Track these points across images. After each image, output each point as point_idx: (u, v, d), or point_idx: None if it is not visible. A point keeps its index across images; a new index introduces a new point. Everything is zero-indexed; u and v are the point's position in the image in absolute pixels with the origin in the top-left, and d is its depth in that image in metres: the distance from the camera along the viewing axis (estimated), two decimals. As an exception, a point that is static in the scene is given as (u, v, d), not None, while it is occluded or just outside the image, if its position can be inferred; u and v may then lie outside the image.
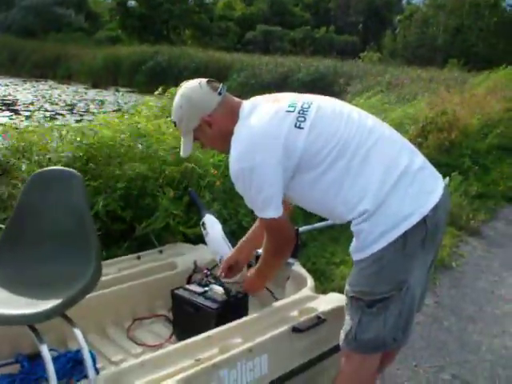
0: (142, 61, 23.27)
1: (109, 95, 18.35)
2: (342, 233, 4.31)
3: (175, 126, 2.08)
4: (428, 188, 1.86)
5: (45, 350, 1.72)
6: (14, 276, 1.98)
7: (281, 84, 18.58)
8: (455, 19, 28.65)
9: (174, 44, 28.51)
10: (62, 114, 13.58)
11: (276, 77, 19.68)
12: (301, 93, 2.07)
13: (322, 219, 4.20)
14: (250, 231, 2.44)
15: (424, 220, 1.79)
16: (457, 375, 2.94)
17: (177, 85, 4.48)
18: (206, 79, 2.04)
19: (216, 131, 1.98)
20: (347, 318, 1.92)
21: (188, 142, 2.08)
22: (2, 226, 2.79)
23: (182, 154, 2.14)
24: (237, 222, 3.78)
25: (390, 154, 1.87)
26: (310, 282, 2.49)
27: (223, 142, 1.96)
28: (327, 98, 2.04)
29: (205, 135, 2.03)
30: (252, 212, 3.84)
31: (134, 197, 3.34)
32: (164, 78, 19.77)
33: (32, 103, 15.98)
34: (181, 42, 31.79)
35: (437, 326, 3.45)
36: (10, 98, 17.27)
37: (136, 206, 3.33)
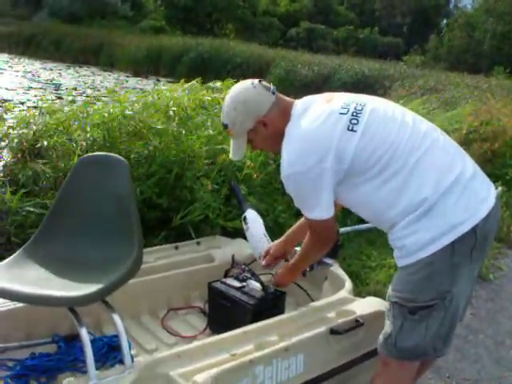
0: (184, 52, 23.37)
1: (149, 84, 18.47)
2: (379, 236, 4.25)
3: (226, 128, 2.04)
4: (480, 197, 1.80)
5: (84, 333, 1.73)
6: (55, 257, 2.01)
7: (322, 82, 18.46)
8: (504, 25, 27.91)
9: (217, 37, 28.57)
10: (101, 101, 13.72)
11: (317, 75, 19.54)
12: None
13: (361, 221, 4.18)
14: (296, 224, 2.42)
15: (474, 229, 1.74)
16: (491, 391, 2.87)
17: (217, 77, 4.47)
18: (258, 79, 2.02)
19: (271, 132, 1.96)
20: (388, 323, 1.88)
21: (241, 145, 2.05)
22: (32, 209, 2.84)
23: (233, 157, 2.11)
24: (273, 218, 3.75)
25: (443, 161, 1.82)
26: (348, 284, 2.45)
27: (276, 142, 1.94)
28: (380, 99, 2.00)
29: (259, 136, 2.00)
30: (288, 209, 3.82)
31: (170, 185, 3.33)
32: (205, 69, 19.86)
33: (75, 88, 16.21)
34: (223, 36, 31.85)
35: (472, 339, 3.37)
36: (54, 82, 17.57)
37: (172, 194, 3.32)
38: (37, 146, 3.19)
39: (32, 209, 2.83)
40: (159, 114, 3.55)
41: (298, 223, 2.40)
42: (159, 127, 3.39)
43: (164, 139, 3.37)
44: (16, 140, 3.22)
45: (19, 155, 3.17)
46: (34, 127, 3.27)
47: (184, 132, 3.53)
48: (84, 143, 3.17)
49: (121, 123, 3.37)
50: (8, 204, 2.80)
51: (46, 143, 3.16)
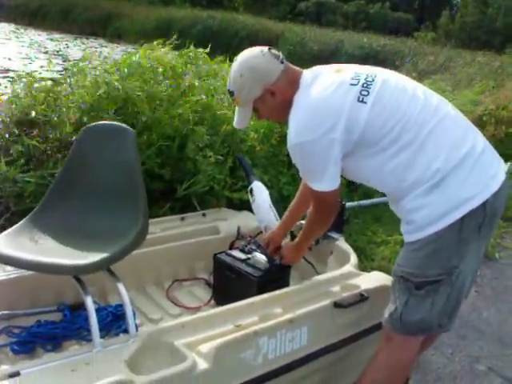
0: (193, 24, 23.09)
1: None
2: (384, 212, 4.24)
3: (231, 95, 2.00)
4: (490, 172, 1.79)
5: (89, 302, 1.73)
6: (61, 226, 2.01)
7: (330, 56, 18.26)
8: (518, 0, 27.32)
9: (226, 10, 28.20)
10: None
11: (325, 49, 19.34)
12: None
13: (367, 196, 4.16)
14: (291, 206, 2.40)
15: (483, 205, 1.72)
16: (493, 368, 2.86)
17: (226, 50, 4.40)
18: (267, 47, 1.98)
19: (278, 101, 1.92)
20: (393, 297, 1.88)
21: (246, 113, 2.02)
22: (30, 179, 2.80)
23: (237, 125, 2.09)
24: (278, 190, 3.73)
25: (455, 134, 1.80)
26: (354, 258, 2.45)
27: (282, 112, 1.91)
28: (391, 71, 1.97)
29: (265, 105, 1.96)
30: (294, 181, 3.80)
31: (173, 156, 3.29)
32: (214, 42, 19.62)
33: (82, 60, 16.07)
34: (233, 9, 31.41)
35: (476, 316, 3.37)
36: (60, 53, 17.45)
37: (176, 166, 3.29)
38: (28, 118, 3.11)
39: (30, 179, 2.81)
40: (146, 75, 3.44)
41: (292, 203, 2.39)
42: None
43: (156, 104, 3.29)
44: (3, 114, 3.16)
45: (10, 129, 3.11)
46: (22, 100, 3.18)
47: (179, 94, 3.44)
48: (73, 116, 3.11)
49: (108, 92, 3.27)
50: (4, 174, 2.78)
51: (33, 114, 3.08)
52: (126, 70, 3.42)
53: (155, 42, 3.92)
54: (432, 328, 1.86)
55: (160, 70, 3.53)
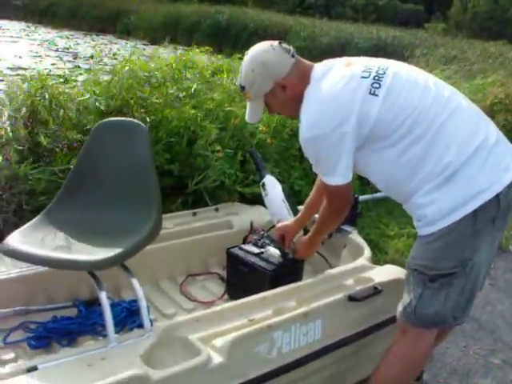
0: (202, 20, 23.09)
1: (167, 52, 18.28)
2: (397, 206, 4.21)
3: (242, 90, 2.00)
4: (504, 164, 1.77)
5: (104, 297, 1.74)
6: (75, 222, 2.02)
7: (339, 50, 18.19)
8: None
9: (234, 4, 28.14)
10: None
11: (335, 42, 19.25)
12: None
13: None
14: (307, 201, 2.39)
15: (497, 197, 1.71)
16: (508, 361, 2.85)
17: (235, 45, 4.39)
18: (277, 41, 1.97)
19: (289, 95, 1.92)
20: (407, 290, 1.87)
21: (258, 107, 2.02)
22: (41, 176, 2.80)
23: (249, 120, 2.09)
24: (289, 184, 3.72)
25: (468, 126, 1.78)
26: (367, 251, 2.45)
27: (293, 106, 1.91)
28: (402, 63, 1.96)
29: (276, 100, 1.96)
30: (305, 176, 3.78)
31: (182, 152, 3.28)
32: (223, 37, 19.62)
33: (92, 56, 16.11)
34: (241, 3, 31.34)
35: (490, 309, 3.35)
36: (71, 50, 17.49)
37: (185, 161, 3.29)
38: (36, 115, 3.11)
39: (41, 176, 2.82)
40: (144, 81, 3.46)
41: (308, 199, 2.38)
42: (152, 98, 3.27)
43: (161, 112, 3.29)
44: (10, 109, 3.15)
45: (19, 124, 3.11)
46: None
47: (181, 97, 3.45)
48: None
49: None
50: (16, 171, 2.79)
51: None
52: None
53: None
54: (446, 321, 1.85)
55: (158, 74, 3.55)
